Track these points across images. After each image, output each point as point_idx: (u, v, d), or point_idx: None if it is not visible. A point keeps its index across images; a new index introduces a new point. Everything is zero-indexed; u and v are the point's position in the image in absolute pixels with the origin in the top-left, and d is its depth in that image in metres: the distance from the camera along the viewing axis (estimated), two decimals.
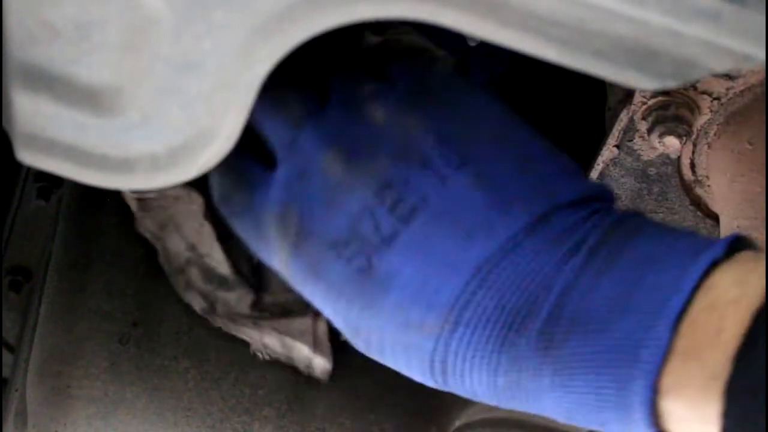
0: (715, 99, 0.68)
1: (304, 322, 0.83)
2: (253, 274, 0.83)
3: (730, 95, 0.68)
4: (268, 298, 0.83)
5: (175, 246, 0.82)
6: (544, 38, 0.44)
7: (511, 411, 0.76)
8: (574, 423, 0.49)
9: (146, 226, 0.82)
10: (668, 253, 0.47)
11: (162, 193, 0.79)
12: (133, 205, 0.81)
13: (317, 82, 0.58)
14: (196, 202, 0.80)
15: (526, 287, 0.49)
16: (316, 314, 0.83)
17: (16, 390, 0.85)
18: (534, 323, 0.48)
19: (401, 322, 0.52)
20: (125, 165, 0.49)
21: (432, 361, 0.52)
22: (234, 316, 0.82)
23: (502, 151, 0.53)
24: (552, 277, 0.49)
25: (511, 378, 0.49)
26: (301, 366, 0.84)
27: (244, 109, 0.47)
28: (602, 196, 0.54)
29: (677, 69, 0.46)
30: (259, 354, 0.83)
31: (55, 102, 0.46)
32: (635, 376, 0.44)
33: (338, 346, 0.88)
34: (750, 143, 0.69)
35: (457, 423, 0.93)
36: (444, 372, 0.52)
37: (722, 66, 0.46)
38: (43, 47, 0.44)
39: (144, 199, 0.80)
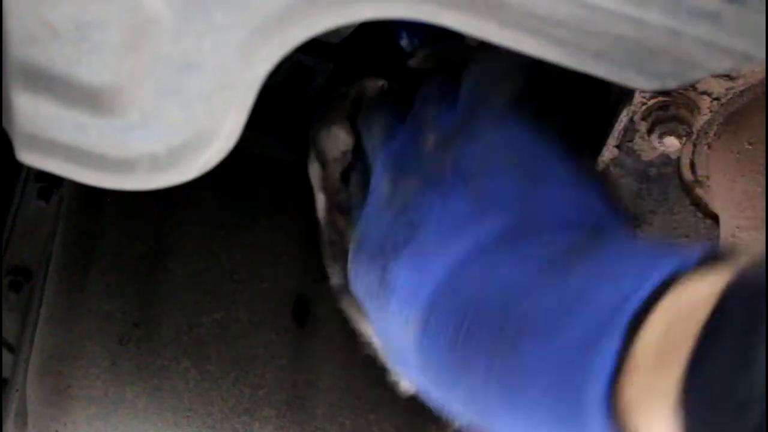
0: (715, 99, 0.68)
1: None
2: None
3: (730, 95, 0.68)
4: None
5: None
6: (544, 38, 0.44)
7: None
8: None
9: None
10: (629, 263, 0.46)
11: None
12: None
13: (404, 100, 0.64)
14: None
15: (484, 292, 0.50)
16: None
17: (16, 390, 0.85)
18: (486, 329, 0.49)
19: (399, 324, 0.54)
20: (125, 165, 0.49)
21: (418, 359, 0.53)
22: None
23: (510, 173, 0.55)
24: (507, 286, 0.49)
25: (467, 386, 0.50)
26: None
27: (244, 109, 0.47)
28: (604, 225, 0.54)
29: (677, 69, 0.46)
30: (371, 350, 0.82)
31: (55, 102, 0.46)
32: (588, 385, 0.43)
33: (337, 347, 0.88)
34: (750, 143, 0.69)
35: (457, 423, 0.93)
36: (428, 371, 0.53)
37: (722, 66, 0.46)
38: (43, 47, 0.44)
39: None
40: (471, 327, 0.50)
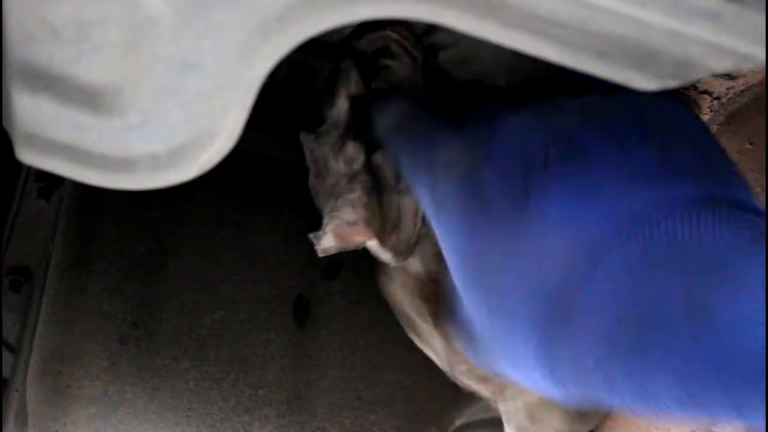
0: (715, 99, 0.69)
1: None
2: None
3: (731, 95, 0.68)
4: None
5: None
6: (544, 38, 0.44)
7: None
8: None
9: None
10: None
11: None
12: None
13: None
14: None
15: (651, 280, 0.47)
16: None
17: (16, 390, 0.85)
18: (656, 325, 0.46)
19: (537, 253, 0.51)
20: (125, 165, 0.49)
21: (544, 317, 0.50)
22: None
23: (683, 140, 0.53)
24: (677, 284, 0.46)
25: (627, 371, 0.47)
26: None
27: (244, 109, 0.47)
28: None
29: (677, 69, 0.46)
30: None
31: (55, 102, 0.46)
32: None
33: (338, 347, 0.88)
34: (750, 143, 0.69)
35: (457, 423, 0.93)
36: (554, 338, 0.50)
37: (722, 66, 0.46)
38: (43, 47, 0.44)
39: None
40: (640, 316, 0.46)
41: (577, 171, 0.51)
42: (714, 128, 0.71)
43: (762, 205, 0.52)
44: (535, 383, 0.53)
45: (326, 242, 0.65)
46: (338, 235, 0.66)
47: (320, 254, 0.66)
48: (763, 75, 0.67)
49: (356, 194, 0.66)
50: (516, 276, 0.52)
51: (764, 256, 0.45)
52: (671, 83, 0.47)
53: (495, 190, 0.54)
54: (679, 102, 0.57)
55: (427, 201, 0.59)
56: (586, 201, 0.50)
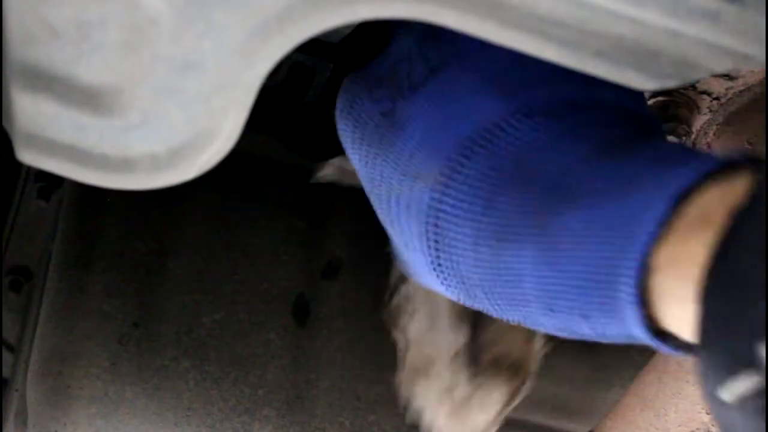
0: (714, 99, 0.69)
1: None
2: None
3: (730, 95, 0.68)
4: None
5: None
6: (544, 38, 0.44)
7: (512, 410, 0.76)
8: (555, 313, 0.47)
9: None
10: (676, 151, 0.46)
11: None
12: None
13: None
14: None
15: (527, 159, 0.48)
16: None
17: (16, 390, 0.85)
18: (523, 192, 0.47)
19: (407, 170, 0.51)
20: (125, 165, 0.49)
21: (426, 223, 0.51)
22: None
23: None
24: (553, 153, 0.48)
25: (491, 248, 0.48)
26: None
27: (244, 109, 0.47)
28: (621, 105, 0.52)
29: (677, 69, 0.46)
30: None
31: (55, 102, 0.46)
32: (626, 252, 0.42)
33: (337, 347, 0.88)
34: (749, 143, 0.69)
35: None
36: (436, 241, 0.50)
37: (722, 66, 0.46)
38: (43, 47, 0.44)
39: None
40: (513, 186, 0.47)
41: (440, 84, 0.51)
42: (714, 128, 0.71)
43: None
44: (436, 287, 0.54)
45: None
46: None
47: None
48: (762, 75, 0.67)
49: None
50: (394, 185, 0.53)
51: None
52: (671, 83, 0.47)
53: (367, 105, 0.55)
54: None
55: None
56: (446, 112, 0.50)
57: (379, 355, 0.89)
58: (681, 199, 0.42)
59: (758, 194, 0.39)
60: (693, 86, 0.68)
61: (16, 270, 1.00)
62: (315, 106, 0.79)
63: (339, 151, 0.66)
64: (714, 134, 0.71)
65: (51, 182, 0.97)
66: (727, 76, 0.67)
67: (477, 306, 0.53)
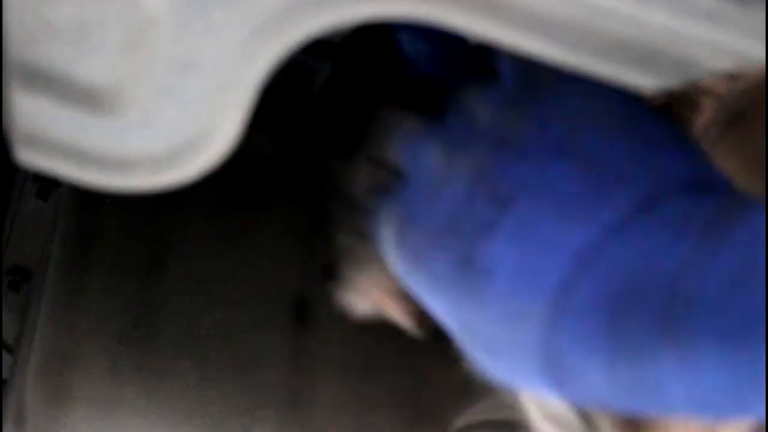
0: (715, 99, 0.68)
1: None
2: None
3: (731, 95, 0.68)
4: None
5: None
6: (544, 38, 0.44)
7: (512, 413, 0.76)
8: (710, 416, 0.46)
9: None
10: None
11: None
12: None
13: (432, 96, 0.59)
14: None
15: (634, 271, 0.47)
16: None
17: (16, 390, 0.85)
18: (647, 308, 0.46)
19: (506, 313, 0.50)
20: (125, 165, 0.49)
21: (542, 357, 0.49)
22: None
23: (609, 134, 0.51)
24: (661, 259, 0.46)
25: (630, 367, 0.47)
26: None
27: (244, 110, 0.47)
28: (716, 178, 0.51)
29: (677, 69, 0.46)
30: None
31: (55, 102, 0.46)
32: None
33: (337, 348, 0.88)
34: (750, 143, 0.69)
35: (458, 424, 0.93)
36: (558, 367, 0.49)
37: (722, 66, 0.46)
38: (43, 47, 0.44)
39: None
40: (629, 309, 0.46)
41: (515, 220, 0.49)
42: (714, 128, 0.71)
43: None
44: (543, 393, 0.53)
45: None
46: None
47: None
48: (763, 75, 0.67)
49: None
50: (502, 341, 0.51)
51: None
52: (671, 83, 0.47)
53: (438, 263, 0.53)
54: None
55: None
56: (533, 247, 0.49)
57: (379, 355, 0.89)
58: None
59: None
60: (693, 86, 0.68)
61: (15, 270, 1.00)
62: (315, 106, 0.79)
63: (338, 151, 0.66)
64: (715, 134, 0.71)
65: (50, 182, 0.97)
66: (728, 76, 0.67)
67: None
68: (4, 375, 0.96)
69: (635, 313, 0.46)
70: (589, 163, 0.49)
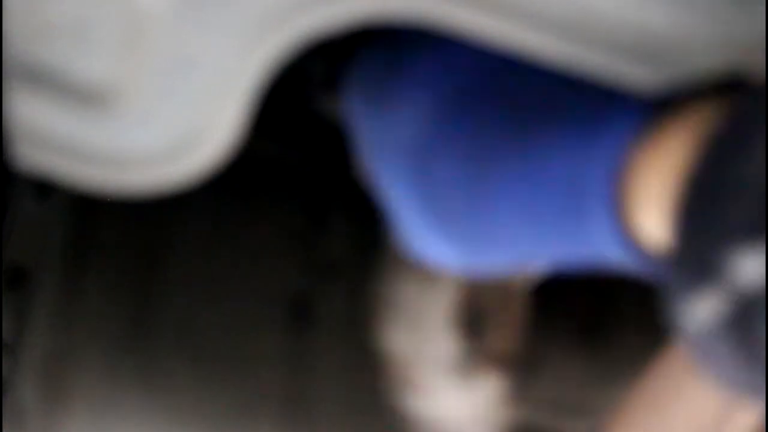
0: (715, 99, 0.68)
1: None
2: None
3: (731, 95, 0.68)
4: None
5: None
6: (543, 38, 0.44)
7: (512, 414, 0.76)
8: (530, 236, 0.47)
9: None
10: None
11: None
12: None
13: None
14: None
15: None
16: None
17: (16, 390, 0.85)
18: (498, 116, 0.48)
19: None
20: (125, 164, 0.49)
21: (414, 161, 0.52)
22: None
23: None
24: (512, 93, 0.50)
25: (480, 169, 0.48)
26: None
27: (244, 110, 0.47)
28: None
29: (677, 68, 0.46)
30: None
31: (54, 102, 0.46)
32: (596, 151, 0.41)
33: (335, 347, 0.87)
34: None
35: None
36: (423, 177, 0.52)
37: (721, 66, 0.46)
38: (43, 47, 0.44)
39: None
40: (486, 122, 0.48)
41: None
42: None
43: None
44: (443, 257, 0.53)
45: None
46: None
47: None
48: (763, 75, 0.66)
49: None
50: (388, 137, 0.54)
51: None
52: (671, 83, 0.47)
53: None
54: None
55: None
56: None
57: (378, 355, 0.89)
58: (656, 108, 0.41)
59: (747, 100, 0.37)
60: (693, 86, 0.68)
61: (14, 270, 1.00)
62: (312, 105, 0.79)
63: (336, 150, 0.66)
64: None
65: (49, 182, 0.97)
66: (728, 76, 0.67)
67: (467, 260, 0.52)
68: (4, 375, 0.96)
69: (495, 120, 0.48)
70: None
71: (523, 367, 0.70)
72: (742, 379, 0.32)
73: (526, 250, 0.48)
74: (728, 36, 0.44)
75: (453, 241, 0.51)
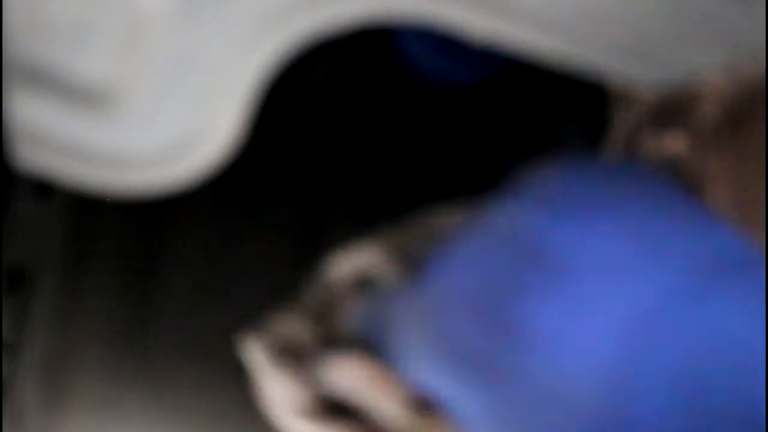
0: (715, 99, 0.68)
1: None
2: None
3: (731, 95, 0.68)
4: None
5: None
6: (543, 38, 0.44)
7: None
8: None
9: None
10: None
11: None
12: None
13: None
14: None
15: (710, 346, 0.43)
16: None
17: (16, 390, 0.85)
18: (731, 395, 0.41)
19: (548, 391, 0.44)
20: (124, 164, 0.49)
21: None
22: None
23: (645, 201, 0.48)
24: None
25: None
26: None
27: (244, 108, 0.47)
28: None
29: (677, 69, 0.46)
30: None
31: (54, 101, 0.46)
32: None
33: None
34: (750, 143, 0.69)
35: None
36: None
37: (722, 66, 0.46)
38: (43, 47, 0.44)
39: None
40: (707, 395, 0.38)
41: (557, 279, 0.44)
42: (714, 128, 0.71)
43: None
44: None
45: None
46: None
47: None
48: (763, 75, 0.67)
49: None
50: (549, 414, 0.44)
51: None
52: (671, 83, 0.47)
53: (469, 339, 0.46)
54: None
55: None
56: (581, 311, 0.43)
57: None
58: None
59: None
60: (693, 86, 0.68)
61: (14, 270, 1.00)
62: (313, 105, 0.79)
63: (335, 151, 0.67)
64: (715, 132, 0.71)
65: (49, 182, 0.97)
66: (728, 76, 0.67)
67: None
68: (4, 375, 0.96)
69: (718, 401, 0.39)
70: (631, 224, 0.44)
71: None
72: None
73: None
74: (728, 36, 0.44)
75: None
